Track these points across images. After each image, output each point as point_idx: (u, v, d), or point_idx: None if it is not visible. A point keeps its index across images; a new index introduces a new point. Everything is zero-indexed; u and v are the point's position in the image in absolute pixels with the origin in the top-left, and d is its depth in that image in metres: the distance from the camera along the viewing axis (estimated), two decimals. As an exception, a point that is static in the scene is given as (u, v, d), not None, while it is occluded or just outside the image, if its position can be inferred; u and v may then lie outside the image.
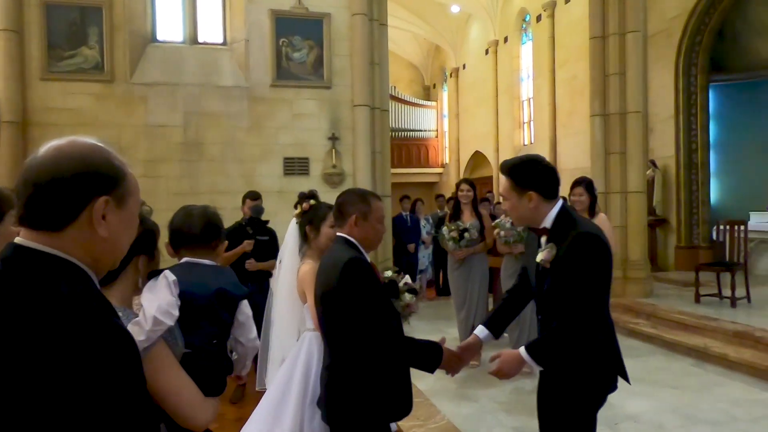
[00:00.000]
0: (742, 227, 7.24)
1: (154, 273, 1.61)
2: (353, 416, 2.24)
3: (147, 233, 1.56)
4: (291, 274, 3.19)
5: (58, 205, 0.99)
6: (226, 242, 1.94)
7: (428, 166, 19.30)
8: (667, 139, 10.59)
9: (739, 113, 10.36)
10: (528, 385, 5.04)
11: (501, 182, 2.28)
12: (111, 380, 0.91)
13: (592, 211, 4.91)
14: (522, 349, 2.16)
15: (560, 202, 2.19)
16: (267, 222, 5.20)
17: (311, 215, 3.23)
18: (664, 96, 10.58)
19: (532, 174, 2.17)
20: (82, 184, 1.00)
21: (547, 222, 2.16)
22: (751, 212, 9.65)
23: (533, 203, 2.14)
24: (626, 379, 2.33)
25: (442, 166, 19.50)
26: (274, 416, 2.79)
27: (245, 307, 1.84)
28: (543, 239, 2.19)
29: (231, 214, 6.66)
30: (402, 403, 2.34)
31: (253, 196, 5.35)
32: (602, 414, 4.23)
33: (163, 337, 1.54)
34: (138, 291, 1.58)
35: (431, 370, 2.27)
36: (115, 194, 1.04)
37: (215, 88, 6.62)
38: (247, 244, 5.03)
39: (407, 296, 2.99)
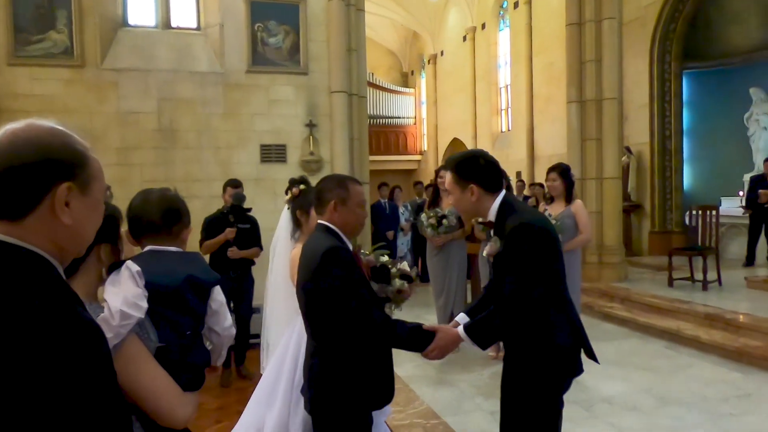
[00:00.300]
0: (714, 212, 7.38)
1: (116, 265, 1.51)
2: (334, 405, 2.23)
3: (109, 219, 1.43)
4: (285, 261, 3.19)
5: (17, 193, 0.94)
6: (191, 227, 1.80)
7: (407, 153, 19.29)
8: (642, 126, 10.73)
9: (711, 100, 10.53)
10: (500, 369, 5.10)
11: (447, 177, 2.34)
12: (77, 374, 0.87)
13: (569, 197, 4.95)
14: (461, 329, 2.22)
15: (501, 194, 2.23)
16: (249, 210, 5.15)
17: (301, 200, 3.24)
18: (639, 83, 10.70)
19: (473, 168, 2.23)
20: (42, 170, 0.96)
21: (491, 215, 2.23)
22: (722, 197, 9.86)
23: (475, 196, 2.21)
24: (593, 358, 2.34)
25: (421, 153, 19.50)
26: (266, 402, 2.81)
27: (218, 294, 1.73)
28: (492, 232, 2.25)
29: (208, 203, 6.57)
30: (383, 392, 2.33)
31: (234, 183, 5.29)
32: (577, 396, 4.35)
33: (134, 331, 1.47)
34: (102, 283, 1.50)
35: (421, 350, 2.26)
36: (78, 180, 1.00)
37: (189, 74, 6.49)
38: (229, 232, 4.99)
39: (398, 282, 2.97)
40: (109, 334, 1.37)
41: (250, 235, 5.16)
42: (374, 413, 2.70)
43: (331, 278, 2.11)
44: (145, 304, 1.47)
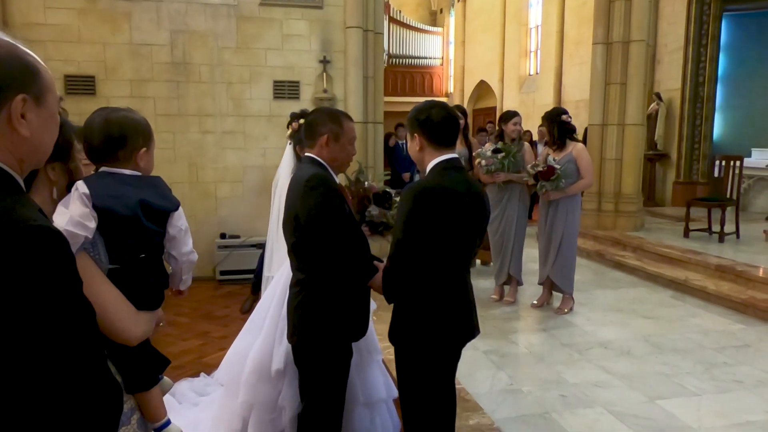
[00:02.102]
0: (738, 163, 7.12)
1: (73, 184, 1.52)
2: (314, 335, 2.27)
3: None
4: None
5: None
6: (144, 148, 1.69)
7: (432, 95, 18.84)
8: (675, 71, 10.27)
9: (750, 45, 9.98)
10: (501, 313, 5.16)
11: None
12: (45, 276, 0.91)
13: (562, 141, 4.84)
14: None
15: (446, 156, 2.16)
16: None
17: (301, 135, 3.22)
18: (675, 24, 10.17)
19: (424, 118, 2.17)
20: None
21: (427, 170, 2.19)
22: (753, 149, 9.50)
23: (418, 146, 2.19)
24: (469, 334, 2.29)
25: (447, 95, 19.08)
26: (256, 332, 2.85)
27: (177, 220, 1.70)
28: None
29: (220, 138, 6.63)
30: (360, 323, 2.38)
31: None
32: (573, 340, 4.40)
33: (85, 248, 1.50)
34: (56, 203, 1.50)
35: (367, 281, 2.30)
36: (31, 91, 1.00)
37: (202, 5, 6.37)
38: None
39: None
40: None
41: None
42: (366, 354, 2.77)
43: (314, 204, 2.12)
44: (92, 224, 1.49)
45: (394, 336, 2.25)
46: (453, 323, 2.21)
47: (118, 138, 1.64)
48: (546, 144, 5.10)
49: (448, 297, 2.20)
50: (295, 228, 2.23)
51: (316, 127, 2.29)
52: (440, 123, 2.16)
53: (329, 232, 2.15)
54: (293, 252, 2.32)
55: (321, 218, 2.14)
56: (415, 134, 2.20)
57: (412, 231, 2.08)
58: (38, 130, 1.03)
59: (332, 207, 2.17)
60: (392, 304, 2.26)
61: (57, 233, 0.95)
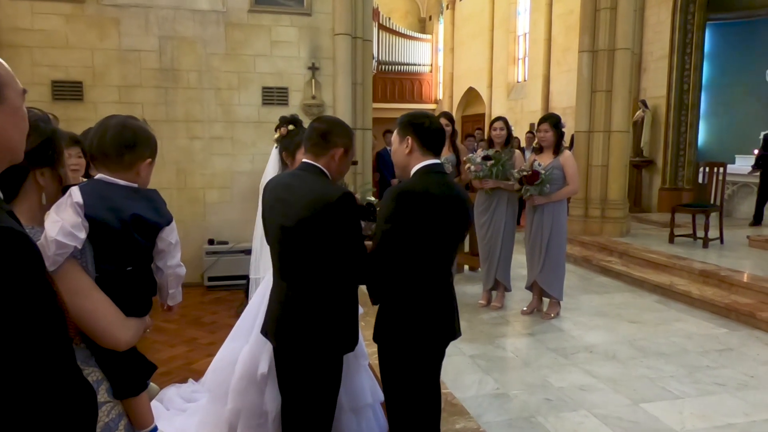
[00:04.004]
0: (722, 169, 7.23)
1: (65, 190, 1.53)
2: (313, 349, 2.18)
3: (45, 142, 1.43)
4: None
5: None
6: (150, 161, 1.73)
7: (421, 102, 18.96)
8: (660, 79, 10.42)
9: (733, 53, 10.15)
10: (489, 318, 5.19)
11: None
12: (10, 283, 0.89)
13: (558, 148, 4.89)
14: None
15: (431, 161, 2.23)
16: (355, 162, 5.07)
17: (287, 142, 3.20)
18: (660, 33, 10.33)
19: (420, 124, 2.25)
20: None
21: (411, 173, 2.25)
22: (737, 155, 9.64)
23: (408, 149, 2.24)
24: (450, 334, 2.32)
25: (436, 102, 19.19)
26: (244, 337, 2.83)
27: (168, 234, 1.71)
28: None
29: (208, 144, 6.63)
30: (352, 334, 2.30)
31: None
32: (559, 345, 4.44)
33: (75, 256, 1.50)
34: (44, 208, 1.51)
35: None
36: None
37: (191, 12, 6.39)
38: None
39: None
40: (45, 263, 1.42)
41: None
42: (353, 360, 2.75)
43: (349, 223, 2.07)
44: (82, 234, 1.50)
45: (377, 335, 2.27)
46: (434, 322, 2.23)
47: (130, 142, 1.67)
48: (533, 150, 5.14)
49: (430, 296, 2.22)
50: (314, 240, 2.08)
51: (333, 137, 2.19)
52: (435, 132, 2.26)
53: (361, 243, 2.16)
54: (296, 265, 2.16)
55: (358, 235, 2.13)
56: (408, 137, 2.24)
57: (394, 230, 2.11)
58: (3, 128, 1.02)
59: (359, 223, 2.19)
60: (377, 306, 2.28)
61: (22, 235, 0.93)
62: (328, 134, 2.19)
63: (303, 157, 2.26)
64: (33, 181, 1.45)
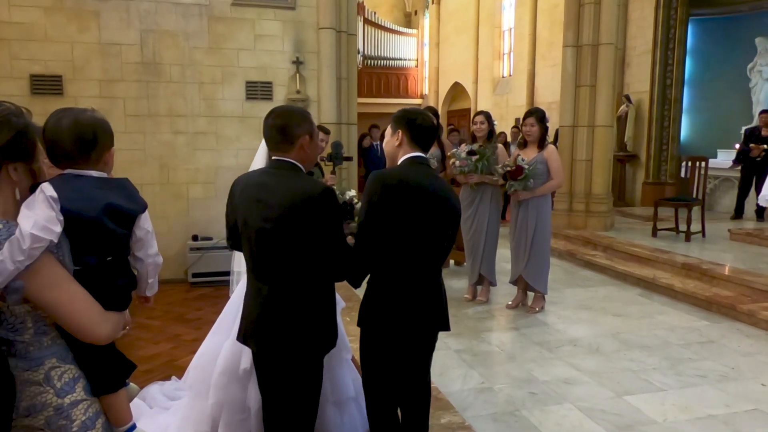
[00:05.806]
0: (703, 164, 7.31)
1: (35, 186, 1.50)
2: (295, 351, 2.12)
3: (17, 136, 1.41)
4: None
5: None
6: (113, 149, 1.70)
7: (407, 97, 18.94)
8: (643, 74, 10.50)
9: (716, 49, 10.25)
10: (474, 312, 5.21)
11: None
12: None
13: (542, 142, 4.90)
14: None
15: (417, 154, 2.30)
16: (350, 158, 5.02)
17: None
18: (643, 29, 10.40)
19: (413, 119, 2.34)
20: None
21: (397, 163, 2.33)
22: (719, 150, 9.76)
23: (399, 142, 2.33)
24: (436, 325, 2.34)
25: (422, 96, 19.17)
26: (225, 333, 2.81)
27: (144, 222, 1.70)
28: None
29: (192, 139, 6.56)
30: (333, 331, 2.26)
31: (326, 130, 4.71)
32: (544, 338, 4.46)
33: (51, 250, 1.48)
34: (18, 203, 1.48)
35: None
36: None
37: (173, 4, 6.30)
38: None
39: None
40: (20, 257, 1.39)
41: None
42: (336, 353, 2.72)
43: (332, 218, 2.03)
44: (57, 228, 1.47)
45: (361, 319, 2.29)
46: (419, 309, 2.24)
47: (92, 139, 1.62)
48: (518, 145, 5.15)
49: (415, 283, 2.24)
50: (295, 236, 2.02)
51: (293, 129, 2.09)
52: (425, 129, 2.34)
53: (344, 240, 2.14)
54: (278, 263, 2.07)
55: (340, 230, 2.11)
56: (399, 130, 2.33)
57: (376, 214, 2.15)
58: None
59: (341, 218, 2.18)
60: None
61: None
62: (287, 128, 2.09)
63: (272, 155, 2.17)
64: (6, 175, 1.43)
